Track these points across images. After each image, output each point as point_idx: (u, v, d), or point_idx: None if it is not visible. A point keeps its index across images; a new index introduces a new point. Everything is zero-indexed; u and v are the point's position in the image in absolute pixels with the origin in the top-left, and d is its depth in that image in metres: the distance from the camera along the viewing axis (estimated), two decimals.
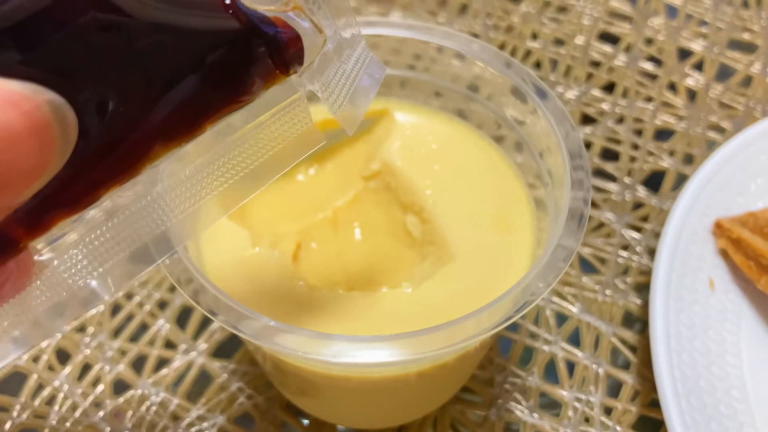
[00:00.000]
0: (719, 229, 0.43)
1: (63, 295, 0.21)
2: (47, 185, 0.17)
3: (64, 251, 0.21)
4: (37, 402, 0.41)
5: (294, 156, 0.24)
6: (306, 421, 0.40)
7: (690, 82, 0.55)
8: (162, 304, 0.44)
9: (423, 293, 0.32)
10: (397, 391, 0.33)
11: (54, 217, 0.19)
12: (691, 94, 0.55)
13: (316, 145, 0.24)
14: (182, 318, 0.44)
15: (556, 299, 0.44)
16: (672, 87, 0.55)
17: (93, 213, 0.21)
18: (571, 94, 0.54)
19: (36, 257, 0.21)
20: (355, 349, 0.25)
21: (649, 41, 0.58)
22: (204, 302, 0.26)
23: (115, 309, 0.44)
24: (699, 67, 0.56)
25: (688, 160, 0.51)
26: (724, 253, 0.43)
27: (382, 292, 0.32)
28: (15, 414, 0.40)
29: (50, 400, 0.41)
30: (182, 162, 0.22)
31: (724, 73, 0.56)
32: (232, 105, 0.22)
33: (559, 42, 0.58)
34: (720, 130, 0.53)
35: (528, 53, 0.57)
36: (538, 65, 0.57)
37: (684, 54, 0.57)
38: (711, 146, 0.51)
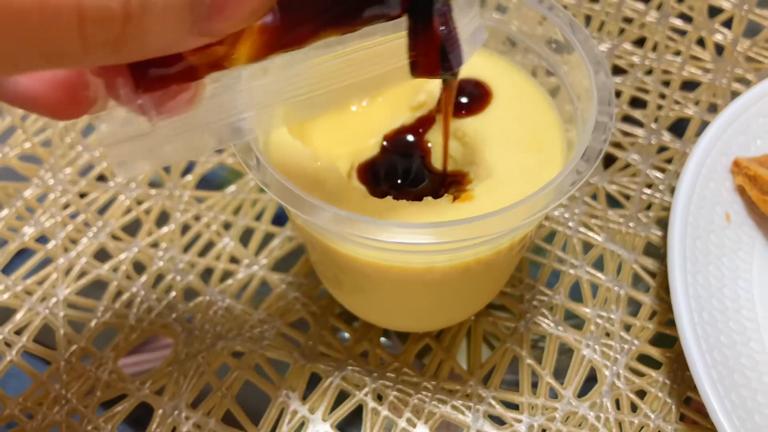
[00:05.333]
0: (737, 167, 0.47)
1: (217, 125, 0.26)
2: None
3: (224, 90, 0.26)
4: (117, 305, 0.46)
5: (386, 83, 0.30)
6: (356, 323, 0.45)
7: (718, 37, 0.58)
8: (227, 225, 0.49)
9: (463, 203, 0.36)
10: (439, 287, 0.38)
11: (233, 61, 0.23)
12: (719, 49, 0.58)
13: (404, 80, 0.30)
14: (245, 237, 0.49)
15: (582, 229, 0.48)
16: (700, 42, 0.58)
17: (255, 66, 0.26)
18: (604, 47, 0.58)
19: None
20: (409, 231, 0.30)
21: None
22: (282, 196, 0.31)
23: (185, 228, 0.49)
24: (728, 24, 0.59)
25: (713, 108, 0.54)
26: (740, 190, 0.47)
27: (427, 201, 0.37)
28: (99, 314, 0.46)
29: (128, 304, 0.46)
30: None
31: (752, 30, 0.59)
32: (382, 19, 0.26)
33: None
34: (745, 82, 0.56)
35: (564, 9, 0.61)
36: None
37: (714, 11, 0.60)
38: (735, 97, 0.54)
